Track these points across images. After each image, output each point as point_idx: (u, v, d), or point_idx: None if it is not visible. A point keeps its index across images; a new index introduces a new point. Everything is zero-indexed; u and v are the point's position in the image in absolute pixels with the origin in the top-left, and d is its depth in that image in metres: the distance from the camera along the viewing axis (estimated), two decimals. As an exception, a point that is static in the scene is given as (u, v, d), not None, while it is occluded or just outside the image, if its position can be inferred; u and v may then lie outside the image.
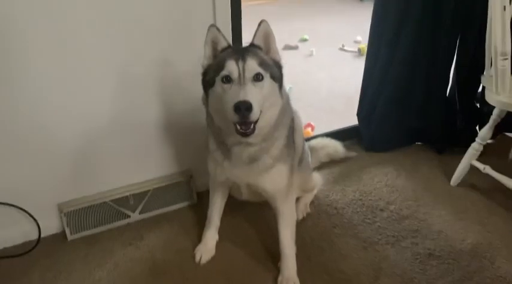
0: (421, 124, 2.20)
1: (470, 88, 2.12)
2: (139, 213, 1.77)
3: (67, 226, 1.67)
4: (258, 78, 1.19)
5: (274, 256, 1.55)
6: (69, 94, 1.53)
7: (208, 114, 1.33)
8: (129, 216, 1.76)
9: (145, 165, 1.78)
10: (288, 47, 4.00)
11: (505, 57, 1.55)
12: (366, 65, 2.12)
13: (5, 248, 1.63)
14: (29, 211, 1.62)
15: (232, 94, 1.16)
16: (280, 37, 4.20)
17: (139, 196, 1.76)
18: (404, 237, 1.67)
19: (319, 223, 1.75)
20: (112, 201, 1.72)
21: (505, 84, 1.59)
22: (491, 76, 1.64)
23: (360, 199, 1.88)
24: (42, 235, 1.67)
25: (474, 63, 2.00)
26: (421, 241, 1.65)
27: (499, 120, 1.73)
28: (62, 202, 1.68)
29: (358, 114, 2.23)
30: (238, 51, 1.24)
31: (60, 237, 1.69)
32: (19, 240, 1.66)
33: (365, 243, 1.65)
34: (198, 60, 1.31)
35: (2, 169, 1.53)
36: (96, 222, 1.71)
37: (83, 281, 1.50)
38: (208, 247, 1.59)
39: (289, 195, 1.47)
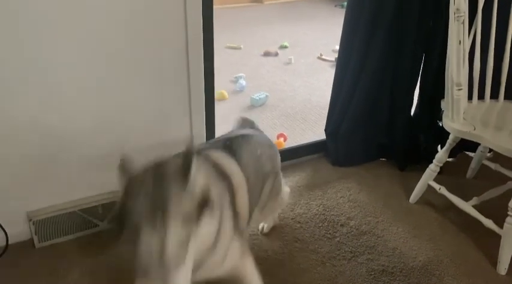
0: (385, 141, 2.30)
1: (434, 108, 2.22)
2: (108, 222, 1.82)
3: (35, 234, 1.71)
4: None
5: None
6: (41, 100, 1.56)
7: None
8: (97, 225, 1.80)
9: (115, 175, 1.82)
10: (267, 54, 4.06)
11: (460, 88, 1.65)
12: (334, 83, 2.20)
13: (-28, 255, 1.67)
14: (-3, 219, 1.65)
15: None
16: (262, 43, 4.30)
17: (108, 206, 1.81)
18: (361, 253, 1.76)
19: (283, 237, 1.83)
20: (81, 210, 1.76)
21: (459, 112, 1.69)
22: (448, 102, 1.74)
23: (323, 214, 1.96)
24: (9, 242, 1.70)
25: (438, 84, 2.10)
26: (376, 258, 1.74)
27: (454, 144, 1.83)
28: (31, 211, 1.71)
29: (326, 129, 2.31)
30: (154, 208, 0.90)
31: (28, 245, 1.72)
32: (-14, 247, 1.69)
33: (324, 258, 1.73)
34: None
35: (-29, 178, 1.56)
36: (64, 231, 1.75)
37: (48, 290, 1.54)
38: None
39: (245, 261, 1.32)
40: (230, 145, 1.37)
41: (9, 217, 1.68)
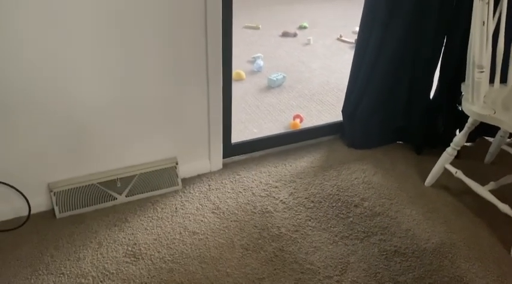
0: (403, 124, 2.28)
1: (454, 92, 2.18)
2: (126, 196, 1.86)
3: (56, 205, 1.76)
4: None
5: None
6: (65, 75, 1.59)
7: None
8: (115, 198, 1.85)
9: (134, 150, 1.86)
10: (286, 34, 4.02)
11: (481, 70, 1.62)
12: (352, 63, 2.18)
13: (-4, 223, 1.73)
14: (20, 190, 1.70)
15: None
16: (281, 23, 4.25)
17: (126, 180, 1.85)
18: (374, 233, 1.77)
19: (296, 216, 1.85)
20: (100, 183, 1.81)
21: (480, 95, 1.66)
22: (469, 86, 1.71)
23: (337, 194, 1.97)
24: (32, 212, 1.76)
25: (459, 68, 2.07)
26: (389, 238, 1.75)
27: (473, 128, 1.81)
28: (52, 182, 1.77)
29: (343, 111, 2.30)
30: None
31: (49, 215, 1.78)
32: (10, 216, 1.75)
33: (336, 237, 1.75)
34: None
35: (-5, 149, 1.61)
36: (84, 202, 1.81)
37: (68, 259, 1.60)
38: None
39: None
40: None
41: (31, 188, 1.74)
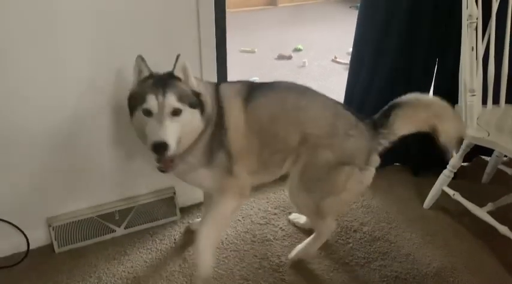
0: (399, 146, 2.28)
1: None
2: (125, 228, 1.86)
3: (55, 240, 1.76)
4: (176, 113, 1.28)
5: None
6: (59, 109, 1.60)
7: None
8: (114, 231, 1.85)
9: (131, 182, 1.87)
10: (281, 57, 4.07)
11: (473, 94, 1.64)
12: (347, 85, 2.20)
13: (-6, 260, 1.72)
14: (18, 225, 1.70)
15: (152, 130, 1.26)
16: (276, 46, 4.30)
17: (124, 212, 1.85)
18: (374, 259, 1.76)
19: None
20: (98, 216, 1.81)
21: (473, 118, 1.68)
22: (462, 109, 1.73)
23: (336, 220, 1.96)
24: (30, 247, 1.76)
25: (452, 88, 2.08)
26: (390, 264, 1.74)
27: (468, 150, 1.82)
28: (51, 217, 1.77)
29: (339, 135, 2.31)
30: (159, 83, 1.29)
31: (48, 250, 1.78)
32: (8, 252, 1.74)
33: (337, 264, 1.74)
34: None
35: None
36: (82, 236, 1.80)
37: (67, 295, 1.59)
38: None
39: (227, 192, 1.45)
40: (251, 87, 1.48)
41: (30, 223, 1.73)
